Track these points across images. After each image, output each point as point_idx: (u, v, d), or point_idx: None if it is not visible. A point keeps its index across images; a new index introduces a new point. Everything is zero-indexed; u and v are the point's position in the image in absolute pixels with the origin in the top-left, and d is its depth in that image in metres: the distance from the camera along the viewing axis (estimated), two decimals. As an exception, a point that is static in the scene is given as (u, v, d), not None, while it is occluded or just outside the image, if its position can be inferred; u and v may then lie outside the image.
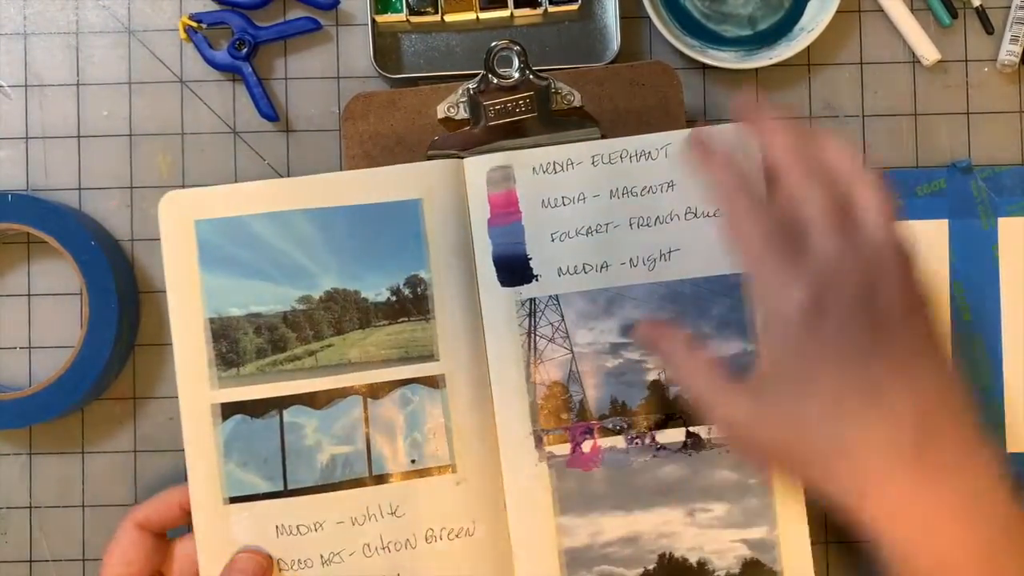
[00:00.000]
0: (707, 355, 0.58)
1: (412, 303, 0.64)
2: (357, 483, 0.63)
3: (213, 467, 0.63)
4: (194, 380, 0.63)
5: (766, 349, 0.55)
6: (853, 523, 0.52)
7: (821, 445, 0.52)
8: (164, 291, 0.72)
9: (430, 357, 0.64)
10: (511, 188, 0.64)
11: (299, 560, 0.62)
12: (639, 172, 0.64)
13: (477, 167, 0.65)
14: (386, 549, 0.63)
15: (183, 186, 0.73)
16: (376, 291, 0.64)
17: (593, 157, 0.64)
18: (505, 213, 0.64)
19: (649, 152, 0.64)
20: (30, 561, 0.72)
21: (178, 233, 0.63)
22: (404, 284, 0.64)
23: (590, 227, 0.64)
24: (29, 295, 0.73)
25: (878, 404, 0.51)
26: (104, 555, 0.63)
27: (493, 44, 0.67)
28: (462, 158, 0.65)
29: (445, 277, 0.64)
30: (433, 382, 0.64)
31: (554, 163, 0.64)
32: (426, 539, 0.63)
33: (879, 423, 0.51)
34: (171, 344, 0.72)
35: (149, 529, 0.63)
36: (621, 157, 0.64)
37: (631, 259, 0.64)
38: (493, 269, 0.64)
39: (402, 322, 0.64)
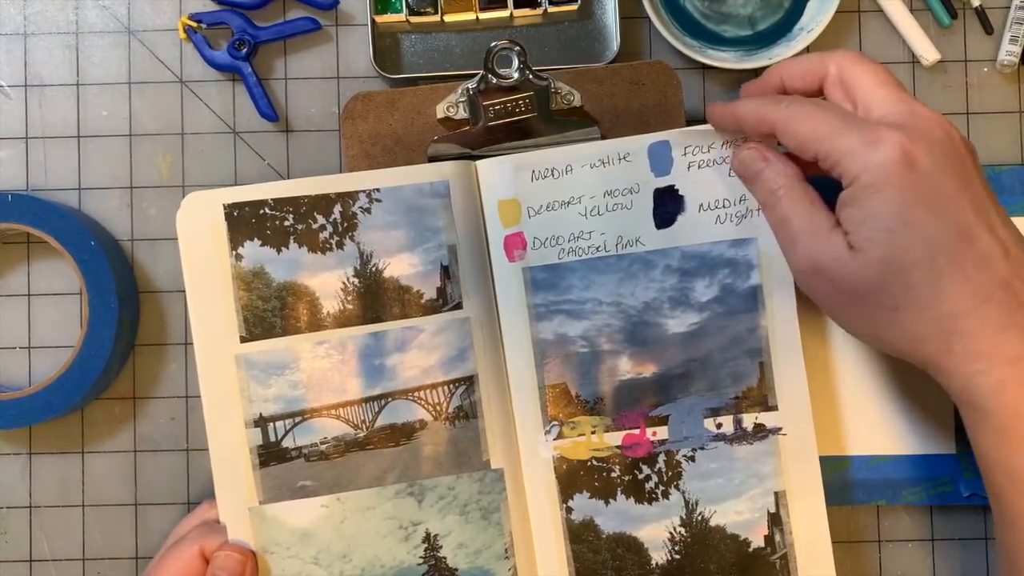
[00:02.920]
0: (812, 191, 0.59)
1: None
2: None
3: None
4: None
5: (857, 212, 0.55)
6: (931, 372, 0.56)
7: (915, 287, 0.54)
8: (164, 291, 0.73)
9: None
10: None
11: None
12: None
13: (489, 169, 0.65)
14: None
15: (183, 186, 0.73)
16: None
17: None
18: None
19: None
20: (30, 561, 0.72)
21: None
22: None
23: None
24: (29, 295, 0.73)
25: (970, 247, 0.54)
26: (161, 566, 0.62)
27: (493, 44, 0.67)
28: (473, 159, 0.66)
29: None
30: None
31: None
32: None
33: (972, 265, 0.54)
34: (171, 344, 0.72)
35: None
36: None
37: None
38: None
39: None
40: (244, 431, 0.63)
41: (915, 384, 0.71)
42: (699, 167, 0.65)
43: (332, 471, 0.63)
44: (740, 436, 0.65)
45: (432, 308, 0.64)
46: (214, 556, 0.61)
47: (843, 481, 0.70)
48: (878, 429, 0.71)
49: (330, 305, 0.64)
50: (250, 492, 0.63)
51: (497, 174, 0.65)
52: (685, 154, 0.65)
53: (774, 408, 0.65)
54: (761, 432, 0.65)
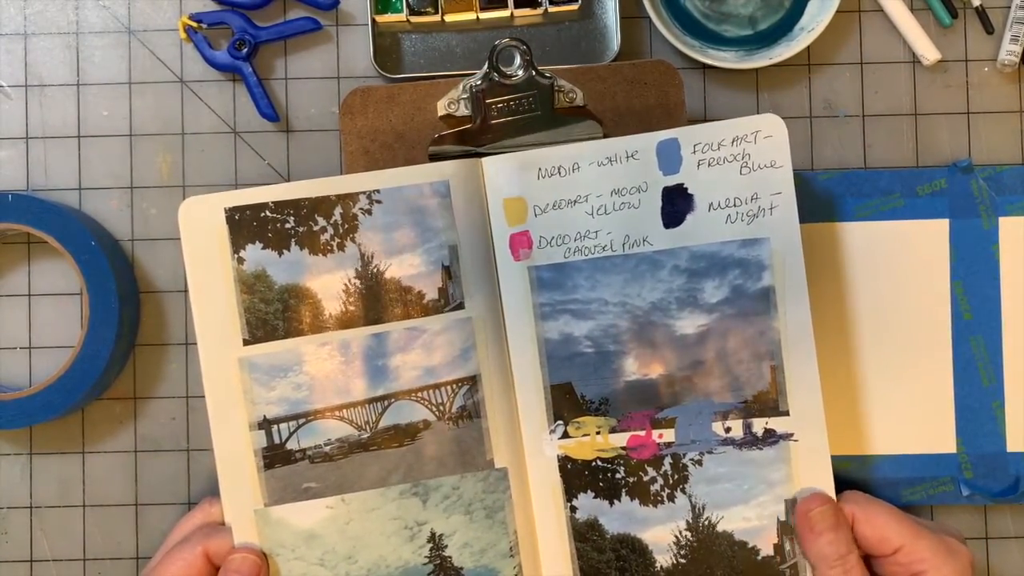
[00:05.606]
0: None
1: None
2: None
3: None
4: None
5: None
6: None
7: None
8: (164, 291, 0.72)
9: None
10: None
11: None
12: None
13: (494, 167, 0.65)
14: None
15: (183, 186, 0.73)
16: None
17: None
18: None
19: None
20: (30, 561, 0.72)
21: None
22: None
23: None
24: (29, 295, 0.72)
25: None
26: (163, 566, 0.62)
27: (497, 42, 0.67)
28: (479, 156, 0.66)
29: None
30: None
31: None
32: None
33: None
34: (171, 344, 0.72)
35: (216, 565, 0.62)
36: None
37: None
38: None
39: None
40: (248, 434, 0.63)
41: (915, 384, 0.71)
42: (709, 165, 0.64)
43: (336, 472, 0.63)
44: (750, 441, 0.64)
45: (434, 308, 0.64)
46: (229, 558, 0.61)
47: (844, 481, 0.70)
48: (879, 429, 0.71)
49: (332, 307, 0.64)
50: (255, 494, 0.63)
51: (503, 172, 0.65)
52: (695, 152, 0.64)
53: (785, 413, 0.64)
54: (771, 437, 0.64)
